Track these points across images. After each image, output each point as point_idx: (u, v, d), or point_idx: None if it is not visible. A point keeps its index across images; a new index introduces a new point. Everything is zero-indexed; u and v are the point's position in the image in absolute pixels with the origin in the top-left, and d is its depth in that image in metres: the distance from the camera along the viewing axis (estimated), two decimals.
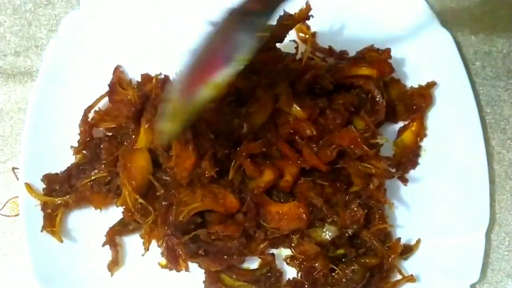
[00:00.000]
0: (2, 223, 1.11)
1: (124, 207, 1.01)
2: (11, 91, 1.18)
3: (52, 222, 1.04)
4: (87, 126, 1.08)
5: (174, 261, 0.99)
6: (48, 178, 1.05)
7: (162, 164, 1.00)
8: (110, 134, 1.09)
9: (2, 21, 1.22)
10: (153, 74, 1.09)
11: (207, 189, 0.95)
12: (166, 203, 0.97)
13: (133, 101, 1.05)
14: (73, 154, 1.08)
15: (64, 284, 1.03)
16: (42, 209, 1.04)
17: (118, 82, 1.09)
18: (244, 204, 0.95)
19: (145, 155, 0.99)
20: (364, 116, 1.03)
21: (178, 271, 1.00)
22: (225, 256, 0.98)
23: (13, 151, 1.15)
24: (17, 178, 1.10)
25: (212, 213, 0.96)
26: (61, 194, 1.05)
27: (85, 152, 1.07)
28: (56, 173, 1.06)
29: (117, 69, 1.11)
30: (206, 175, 0.95)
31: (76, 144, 1.08)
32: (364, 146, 0.96)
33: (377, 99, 1.04)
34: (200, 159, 0.94)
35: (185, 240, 0.94)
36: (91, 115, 1.08)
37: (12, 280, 1.08)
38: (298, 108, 0.97)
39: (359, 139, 0.96)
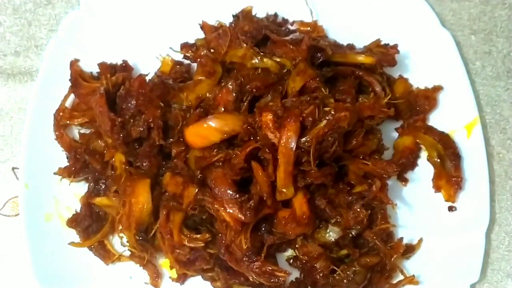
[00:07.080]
0: (2, 223, 1.11)
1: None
2: (11, 91, 1.18)
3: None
4: (61, 129, 1.07)
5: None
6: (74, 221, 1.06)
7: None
8: (83, 131, 1.09)
9: (2, 21, 1.22)
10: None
11: None
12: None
13: (107, 90, 1.03)
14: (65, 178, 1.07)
15: (64, 284, 1.04)
16: None
17: (80, 75, 1.09)
18: None
19: (146, 190, 0.98)
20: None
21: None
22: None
23: (13, 151, 1.15)
24: (17, 178, 1.10)
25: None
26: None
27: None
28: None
29: (73, 64, 1.10)
30: None
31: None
32: (383, 109, 0.98)
33: (376, 89, 1.03)
34: None
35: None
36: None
37: (12, 280, 1.08)
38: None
39: (375, 105, 0.98)
